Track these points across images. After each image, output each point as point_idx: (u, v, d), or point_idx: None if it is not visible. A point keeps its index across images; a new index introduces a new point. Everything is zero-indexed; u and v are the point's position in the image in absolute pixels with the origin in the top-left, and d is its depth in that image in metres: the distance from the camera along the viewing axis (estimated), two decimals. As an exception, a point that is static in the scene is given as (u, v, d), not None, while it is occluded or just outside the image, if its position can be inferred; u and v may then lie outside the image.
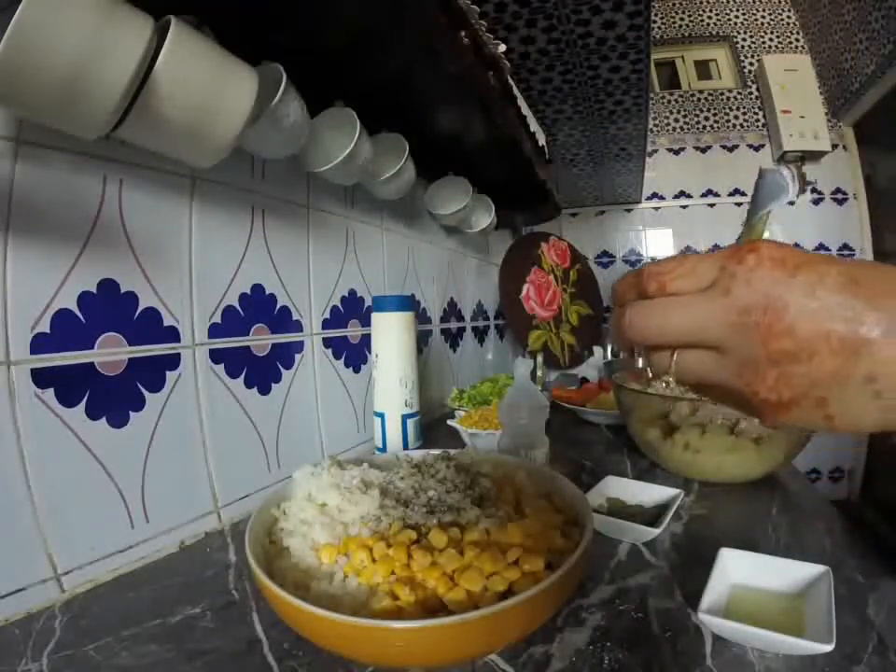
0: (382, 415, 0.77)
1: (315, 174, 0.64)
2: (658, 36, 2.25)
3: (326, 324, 0.77)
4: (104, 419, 0.46)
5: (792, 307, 0.20)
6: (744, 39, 2.26)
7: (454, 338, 1.22)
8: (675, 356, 0.23)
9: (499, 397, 0.95)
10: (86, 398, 0.45)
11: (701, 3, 2.29)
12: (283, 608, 0.30)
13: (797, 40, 2.21)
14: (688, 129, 2.27)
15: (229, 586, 0.44)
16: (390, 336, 0.76)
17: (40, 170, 0.41)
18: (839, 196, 2.16)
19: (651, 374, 0.25)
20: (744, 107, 2.23)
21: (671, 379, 0.24)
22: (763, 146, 2.20)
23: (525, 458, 0.58)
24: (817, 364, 0.20)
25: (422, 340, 1.05)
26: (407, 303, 0.78)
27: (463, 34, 0.60)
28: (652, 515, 0.55)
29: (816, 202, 2.16)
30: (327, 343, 0.77)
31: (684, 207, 2.26)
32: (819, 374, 0.20)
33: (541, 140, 1.05)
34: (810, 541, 0.51)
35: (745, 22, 2.26)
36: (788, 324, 0.20)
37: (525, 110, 0.91)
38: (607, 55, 0.89)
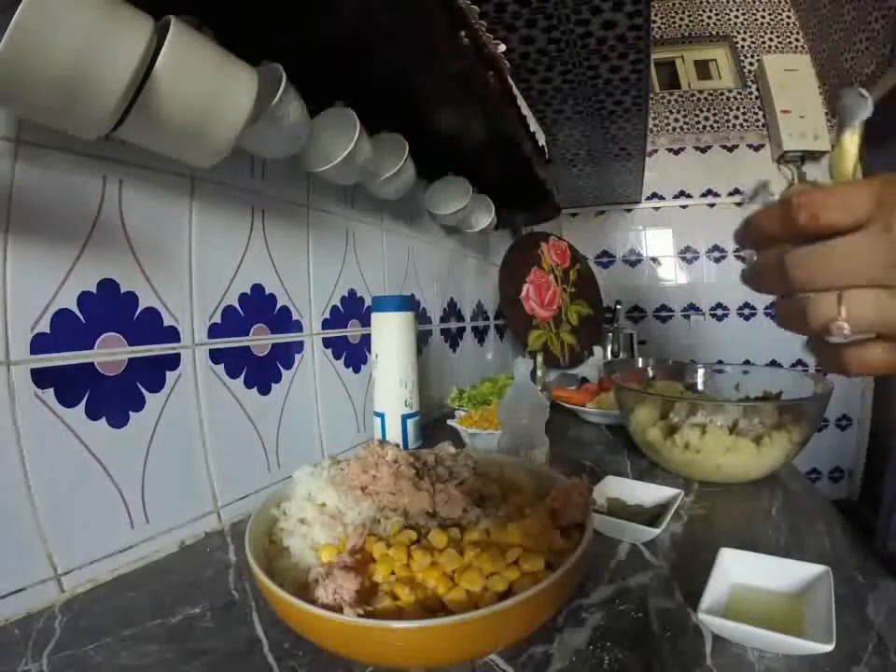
0: (382, 415, 0.77)
1: (314, 174, 0.64)
2: (658, 36, 2.25)
3: (326, 324, 0.77)
4: (104, 419, 0.46)
5: None
6: (744, 39, 2.26)
7: (454, 338, 1.22)
8: (842, 298, 0.22)
9: (499, 397, 0.95)
10: (86, 398, 0.45)
11: (701, 3, 2.29)
12: (283, 608, 0.30)
13: (797, 40, 2.21)
14: (688, 129, 2.27)
15: (229, 586, 0.44)
16: (390, 336, 0.76)
17: (40, 170, 0.41)
18: (839, 196, 2.16)
19: (816, 323, 0.23)
20: (744, 107, 2.23)
21: (842, 325, 0.22)
22: (762, 145, 2.20)
23: (524, 458, 0.58)
24: None
25: (422, 340, 1.04)
26: (407, 303, 0.78)
27: (463, 34, 0.60)
28: (652, 515, 0.55)
29: (816, 202, 2.16)
30: (327, 343, 0.77)
31: (684, 207, 2.26)
32: None
33: (541, 140, 1.05)
34: (810, 541, 0.51)
35: (745, 22, 2.26)
36: None
37: (525, 110, 0.91)
38: (607, 55, 0.89)
